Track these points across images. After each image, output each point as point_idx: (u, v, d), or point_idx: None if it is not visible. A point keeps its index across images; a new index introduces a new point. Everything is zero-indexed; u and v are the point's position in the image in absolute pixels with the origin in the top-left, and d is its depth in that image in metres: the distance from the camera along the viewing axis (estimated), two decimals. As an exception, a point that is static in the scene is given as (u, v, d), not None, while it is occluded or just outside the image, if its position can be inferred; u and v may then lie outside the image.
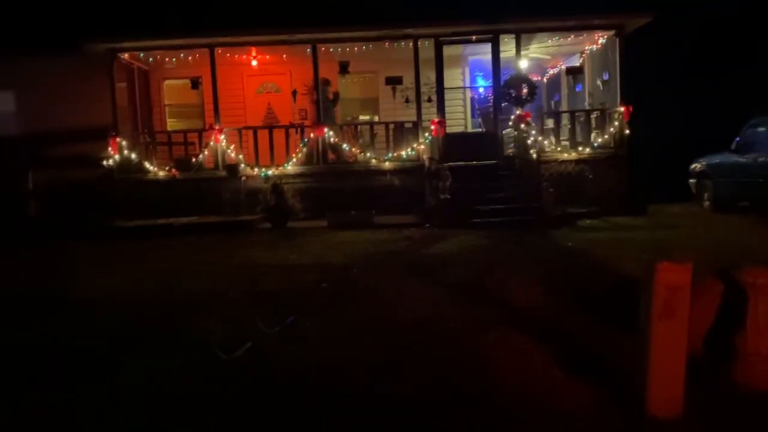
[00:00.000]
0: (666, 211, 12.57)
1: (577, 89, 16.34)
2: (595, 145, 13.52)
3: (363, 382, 4.11)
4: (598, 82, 15.09)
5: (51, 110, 14.57)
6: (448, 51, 13.82)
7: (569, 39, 14.52)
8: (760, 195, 11.05)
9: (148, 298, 6.67)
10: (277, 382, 4.17)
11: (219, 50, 13.76)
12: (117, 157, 13.52)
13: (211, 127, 13.73)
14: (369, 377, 4.18)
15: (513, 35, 13.50)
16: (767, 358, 3.47)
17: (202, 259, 9.05)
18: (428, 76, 13.89)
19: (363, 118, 15.84)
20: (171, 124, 16.01)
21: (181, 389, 4.12)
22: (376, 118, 15.52)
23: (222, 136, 13.57)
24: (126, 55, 14.23)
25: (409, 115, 14.15)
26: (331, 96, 14.53)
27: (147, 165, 13.59)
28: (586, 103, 15.48)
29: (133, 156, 13.63)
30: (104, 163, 13.43)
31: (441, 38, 13.56)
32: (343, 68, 14.01)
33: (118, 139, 13.54)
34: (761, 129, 11.20)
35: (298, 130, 13.86)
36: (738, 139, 11.83)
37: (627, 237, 9.51)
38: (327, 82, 14.24)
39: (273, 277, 7.46)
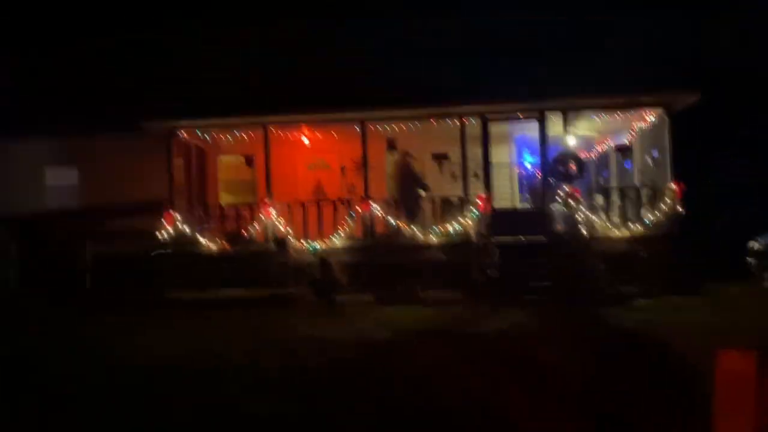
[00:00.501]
0: (723, 291, 12.07)
1: (626, 166, 16.20)
2: (647, 222, 13.25)
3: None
4: (648, 160, 14.95)
5: (110, 185, 15.30)
6: (494, 128, 13.99)
7: (617, 117, 14.53)
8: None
9: (189, 371, 6.67)
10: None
11: (272, 129, 14.30)
12: (171, 230, 13.93)
13: (263, 202, 14.08)
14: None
15: (560, 113, 13.62)
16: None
17: (247, 332, 9.08)
18: (475, 152, 14.03)
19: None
20: (224, 198, 16.50)
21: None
22: (423, 193, 15.64)
23: (273, 211, 13.87)
24: (184, 134, 14.90)
25: (455, 190, 14.23)
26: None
27: (200, 238, 13.94)
28: (636, 181, 15.29)
29: (187, 229, 14.01)
30: (159, 236, 13.84)
31: (487, 116, 13.76)
32: (391, 145, 14.32)
33: (173, 213, 13.99)
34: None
35: (346, 204, 14.08)
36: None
37: (684, 319, 9.13)
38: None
39: (316, 352, 7.40)
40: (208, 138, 15.60)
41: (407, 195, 13.99)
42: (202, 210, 15.02)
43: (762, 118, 18.94)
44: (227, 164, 16.77)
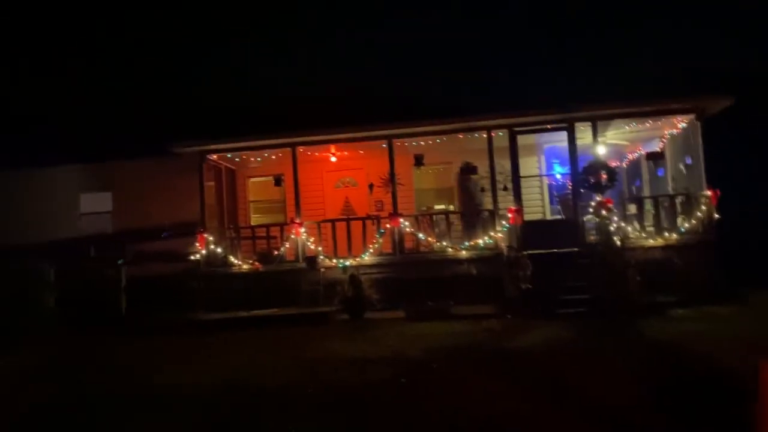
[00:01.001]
0: (761, 299, 11.70)
1: (659, 174, 15.92)
2: (682, 230, 12.98)
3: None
4: (681, 166, 14.67)
5: (144, 208, 15.64)
6: (522, 140, 13.89)
7: (647, 124, 14.31)
8: None
9: (226, 396, 6.70)
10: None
11: (300, 149, 14.43)
12: (204, 251, 14.12)
13: (292, 221, 14.19)
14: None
15: (588, 123, 13.47)
16: None
17: (280, 352, 9.10)
18: (503, 164, 13.94)
19: (438, 207, 15.98)
20: (255, 219, 16.70)
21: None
22: (452, 207, 15.61)
23: (302, 230, 13.97)
24: (214, 156, 15.13)
25: (485, 203, 14.14)
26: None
27: (232, 259, 14.09)
28: (669, 188, 15.01)
29: (219, 250, 14.19)
30: (192, 257, 14.03)
31: (515, 128, 13.68)
32: (418, 161, 14.31)
33: (205, 235, 14.19)
34: None
35: (375, 221, 14.09)
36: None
37: (723, 329, 8.88)
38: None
39: (349, 371, 7.38)
40: (238, 160, 15.83)
41: (465, 207, 14.19)
42: (233, 231, 15.20)
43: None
44: (257, 185, 16.99)
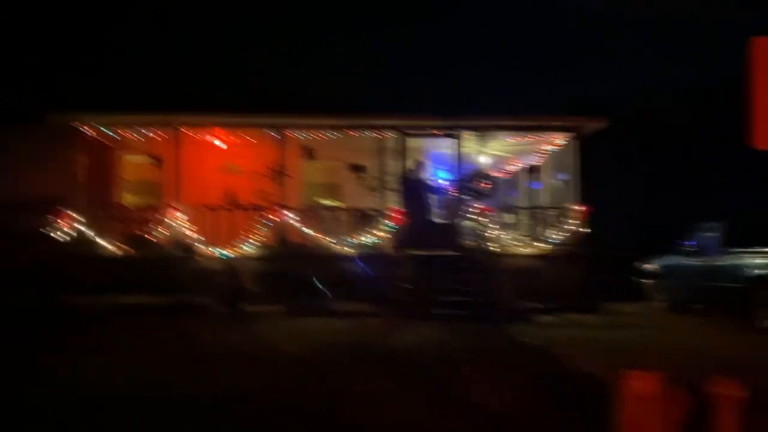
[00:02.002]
0: (621, 310, 12.70)
1: (535, 186, 16.78)
2: (553, 242, 13.75)
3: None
4: (556, 181, 15.55)
5: (5, 182, 14.14)
6: (411, 143, 14.11)
7: (529, 139, 15.03)
8: (712, 298, 11.30)
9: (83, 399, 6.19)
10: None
11: (183, 129, 13.76)
12: (70, 231, 13.11)
13: (170, 205, 13.51)
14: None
15: (475, 132, 13.92)
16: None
17: (149, 346, 8.59)
18: (392, 165, 14.09)
19: (325, 203, 15.88)
20: (128, 199, 15.72)
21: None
22: (339, 204, 15.57)
23: (180, 215, 13.34)
24: (87, 129, 14.06)
25: (371, 202, 14.22)
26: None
27: (101, 241, 13.18)
28: (544, 201, 15.87)
29: (88, 231, 13.23)
30: (57, 237, 12.98)
31: (405, 130, 13.87)
32: (308, 154, 14.14)
33: (71, 213, 13.17)
34: (711, 233, 11.60)
35: (259, 212, 13.73)
36: (690, 241, 12.20)
37: (584, 336, 9.51)
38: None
39: (223, 368, 7.11)
40: (113, 136, 14.80)
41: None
42: (104, 211, 14.21)
43: (662, 149, 20.28)
44: (133, 164, 15.99)
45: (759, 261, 9.99)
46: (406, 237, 13.28)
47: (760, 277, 9.84)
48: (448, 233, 13.63)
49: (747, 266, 10.19)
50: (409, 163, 14.21)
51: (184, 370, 7.04)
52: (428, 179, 14.35)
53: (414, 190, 13.72)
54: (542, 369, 7.33)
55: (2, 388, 6.20)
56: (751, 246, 10.30)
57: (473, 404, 5.75)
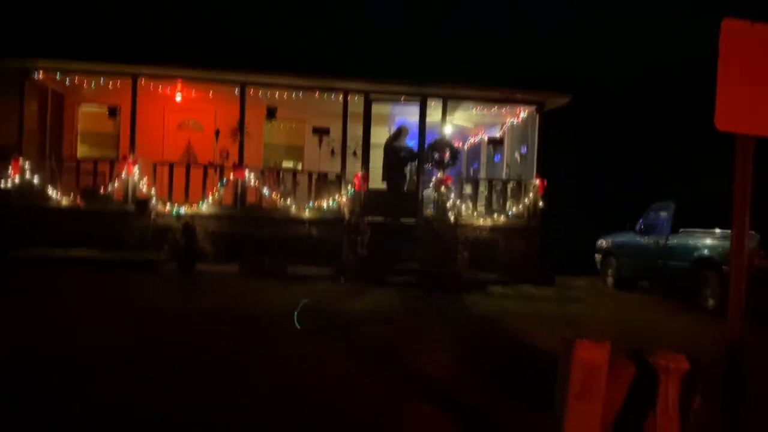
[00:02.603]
0: (572, 284, 12.98)
1: (496, 159, 16.90)
2: (510, 214, 13.91)
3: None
4: (517, 155, 15.68)
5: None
6: (376, 108, 13.99)
7: (492, 110, 15.09)
8: (659, 276, 11.63)
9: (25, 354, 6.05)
10: None
11: (142, 80, 13.32)
12: (17, 180, 12.66)
13: (125, 159, 13.15)
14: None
15: (440, 100, 13.87)
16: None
17: (100, 299, 8.44)
18: (355, 130, 13.96)
19: (286, 165, 15.70)
20: (82, 151, 15.23)
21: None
22: (300, 167, 15.42)
23: (135, 169, 13.00)
24: (40, 75, 13.50)
25: (333, 166, 14.11)
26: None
27: (50, 191, 12.78)
28: (504, 174, 16.01)
29: (36, 181, 12.80)
30: (2, 186, 12.52)
31: (371, 95, 13.73)
32: (271, 113, 13.88)
33: (20, 162, 12.71)
34: (662, 213, 11.87)
35: (218, 170, 13.49)
36: (641, 220, 12.48)
37: (535, 308, 9.70)
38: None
39: (173, 325, 7.02)
40: (68, 83, 14.24)
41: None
42: (55, 161, 13.74)
43: (623, 126, 20.59)
44: (88, 115, 15.46)
45: (707, 242, 10.29)
46: (371, 203, 13.25)
47: (706, 257, 10.14)
48: (409, 201, 13.65)
49: (695, 247, 10.49)
50: (381, 130, 14.09)
51: (90, 322, 6.89)
52: (408, 147, 14.08)
53: (395, 157, 13.52)
54: (489, 337, 7.46)
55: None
56: (702, 227, 10.59)
57: (412, 367, 5.82)
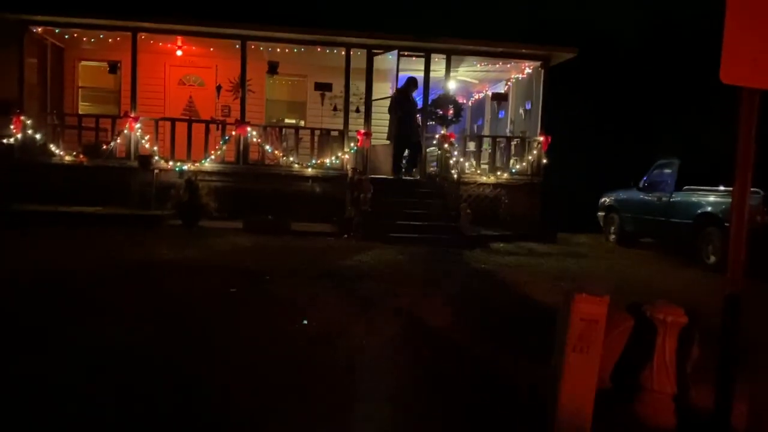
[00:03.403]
0: (574, 240, 13.02)
1: (500, 115, 16.76)
2: (513, 171, 13.87)
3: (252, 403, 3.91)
4: (521, 111, 15.55)
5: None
6: (379, 64, 13.81)
7: (497, 65, 14.89)
8: (662, 233, 11.65)
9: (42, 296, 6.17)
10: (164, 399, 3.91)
11: (142, 35, 13.17)
12: (20, 136, 12.65)
13: (126, 115, 13.09)
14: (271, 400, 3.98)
15: (444, 55, 13.69)
16: (672, 395, 3.56)
17: (104, 253, 8.51)
18: (358, 86, 13.82)
19: (289, 121, 15.62)
20: (83, 107, 15.16)
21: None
22: (303, 123, 15.33)
23: (137, 125, 12.96)
24: (39, 29, 13.35)
25: (335, 123, 14.04)
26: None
27: (52, 148, 12.78)
28: (508, 130, 15.90)
29: (38, 137, 12.79)
30: (4, 141, 12.50)
31: (373, 49, 13.54)
32: (272, 68, 13.74)
33: (22, 118, 12.67)
34: (667, 170, 11.82)
35: (219, 126, 13.44)
36: (645, 177, 12.44)
37: (537, 263, 9.75)
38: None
39: (178, 278, 7.10)
40: (68, 38, 14.07)
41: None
42: (56, 117, 13.69)
43: (629, 81, 20.31)
44: (89, 70, 15.33)
45: (710, 199, 10.27)
46: (370, 160, 13.22)
47: (707, 213, 10.15)
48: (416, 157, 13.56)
49: (698, 203, 10.48)
50: (384, 86, 13.85)
51: (121, 273, 7.00)
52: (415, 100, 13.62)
53: (401, 109, 13.03)
54: (490, 290, 7.53)
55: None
56: (706, 185, 10.56)
57: (413, 318, 5.90)
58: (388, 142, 13.94)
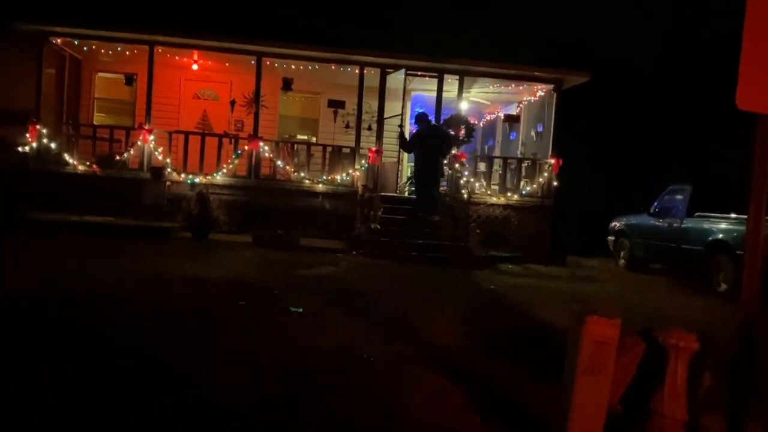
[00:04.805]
0: (583, 264, 12.95)
1: (511, 137, 16.80)
2: (524, 192, 13.86)
3: (259, 415, 3.88)
4: (532, 133, 15.58)
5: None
6: (392, 83, 13.90)
7: (510, 87, 14.95)
8: (672, 259, 11.58)
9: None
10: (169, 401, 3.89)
11: (159, 49, 13.34)
12: (35, 145, 12.79)
13: (141, 127, 13.21)
14: (267, 410, 3.95)
15: (457, 76, 13.76)
16: (683, 422, 3.51)
17: (113, 264, 8.54)
18: (370, 104, 13.91)
19: (301, 137, 15.71)
20: (98, 118, 15.32)
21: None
22: (315, 139, 15.41)
23: (151, 137, 13.08)
24: (58, 41, 13.56)
25: (347, 140, 14.10)
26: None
27: (67, 157, 12.90)
28: (519, 152, 15.92)
29: (53, 146, 12.92)
30: (20, 150, 12.64)
31: (387, 68, 13.64)
32: (287, 85, 13.86)
33: (38, 127, 12.82)
34: (678, 196, 11.78)
35: (232, 140, 13.53)
36: (656, 203, 12.39)
37: (546, 286, 9.69)
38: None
39: (186, 291, 7.10)
40: (86, 50, 14.27)
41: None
42: (71, 127, 13.85)
43: (642, 106, 20.32)
44: (105, 82, 15.51)
45: (722, 226, 10.21)
46: (380, 177, 13.23)
47: (719, 241, 10.08)
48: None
49: (710, 230, 10.42)
50: (396, 105, 13.84)
51: (130, 284, 7.02)
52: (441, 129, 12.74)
53: (431, 138, 11.97)
54: (498, 311, 7.49)
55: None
56: (718, 212, 10.51)
57: (422, 338, 5.86)
58: (395, 160, 13.98)
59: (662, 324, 3.81)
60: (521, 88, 14.96)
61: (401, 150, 13.42)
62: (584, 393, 3.30)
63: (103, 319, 5.65)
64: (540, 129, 15.03)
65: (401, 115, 13.50)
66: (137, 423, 3.58)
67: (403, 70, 13.45)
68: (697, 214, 10.98)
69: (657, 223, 12.00)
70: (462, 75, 13.74)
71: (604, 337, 3.29)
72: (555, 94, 14.09)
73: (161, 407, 3.81)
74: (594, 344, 3.29)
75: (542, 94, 14.86)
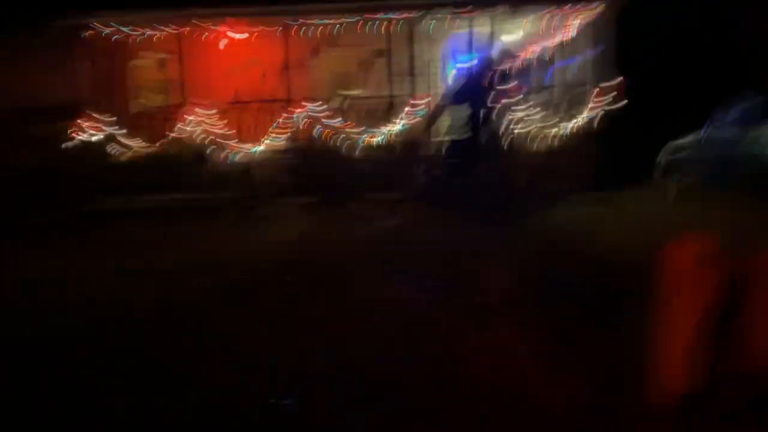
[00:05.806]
0: (648, 188, 12.35)
1: (566, 63, 16.03)
2: (577, 123, 13.29)
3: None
4: (586, 59, 14.81)
5: (12, 88, 13.84)
6: (437, 24, 13.43)
7: (565, 8, 14.12)
8: (743, 174, 10.81)
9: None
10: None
11: (191, 27, 13.33)
12: (87, 135, 13.10)
13: (185, 104, 13.34)
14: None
15: (506, 6, 13.15)
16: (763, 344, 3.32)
17: (172, 244, 8.69)
18: (417, 49, 13.51)
19: (352, 93, 15.45)
20: (137, 103, 15.46)
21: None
22: (366, 93, 15.15)
23: (197, 114, 13.17)
24: (98, 29, 13.68)
25: (400, 90, 13.82)
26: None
27: (118, 142, 13.18)
28: (571, 80, 15.20)
29: (102, 135, 13.20)
30: (72, 143, 12.98)
31: (431, 9, 13.15)
32: (325, 43, 13.65)
33: (89, 117, 13.11)
34: (745, 106, 11.02)
35: (280, 105, 13.49)
36: (722, 116, 11.61)
37: (618, 215, 9.36)
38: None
39: (249, 262, 7.22)
40: (122, 36, 14.31)
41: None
42: (119, 112, 14.07)
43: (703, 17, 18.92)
44: (142, 65, 15.60)
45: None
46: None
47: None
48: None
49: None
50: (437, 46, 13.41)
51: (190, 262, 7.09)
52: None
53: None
54: (564, 246, 7.27)
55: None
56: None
57: (489, 288, 5.74)
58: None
59: (744, 247, 3.59)
60: (576, 8, 14.08)
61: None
62: (671, 317, 3.18)
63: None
64: (598, 51, 14.20)
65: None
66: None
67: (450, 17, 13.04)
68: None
69: (726, 137, 11.23)
70: (512, 3, 13.07)
71: (692, 260, 3.13)
72: (610, 13, 13.26)
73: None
74: (681, 267, 3.14)
75: (598, 11, 13.94)
